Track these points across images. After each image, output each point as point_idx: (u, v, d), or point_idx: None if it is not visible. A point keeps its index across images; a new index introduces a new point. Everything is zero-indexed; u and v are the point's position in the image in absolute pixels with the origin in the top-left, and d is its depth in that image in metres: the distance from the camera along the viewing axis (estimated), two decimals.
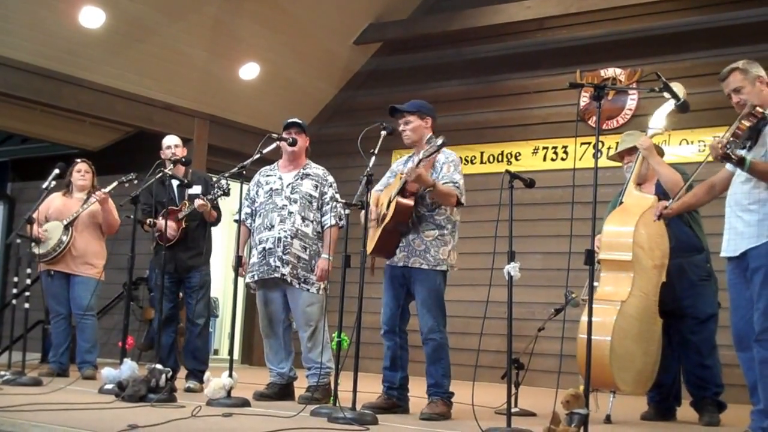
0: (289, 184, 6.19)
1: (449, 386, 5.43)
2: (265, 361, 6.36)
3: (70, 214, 7.30)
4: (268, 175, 6.34)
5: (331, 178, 6.27)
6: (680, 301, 5.71)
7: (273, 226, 6.12)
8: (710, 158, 4.66)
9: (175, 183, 6.81)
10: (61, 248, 7.25)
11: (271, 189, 6.23)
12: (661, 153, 6.06)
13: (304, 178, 6.20)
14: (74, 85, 8.90)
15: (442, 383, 5.38)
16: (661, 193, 5.72)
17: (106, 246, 7.57)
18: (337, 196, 6.14)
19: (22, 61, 8.46)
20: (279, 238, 6.08)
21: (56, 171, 7.03)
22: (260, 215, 6.21)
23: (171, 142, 6.92)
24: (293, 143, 6.15)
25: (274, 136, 6.08)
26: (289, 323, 6.25)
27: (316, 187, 6.18)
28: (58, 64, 8.67)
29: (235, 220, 6.26)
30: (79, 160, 7.64)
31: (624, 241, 5.55)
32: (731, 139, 4.43)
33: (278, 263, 6.05)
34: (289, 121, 6.31)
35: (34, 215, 6.91)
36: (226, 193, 6.44)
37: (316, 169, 6.29)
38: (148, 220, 6.92)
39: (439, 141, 5.17)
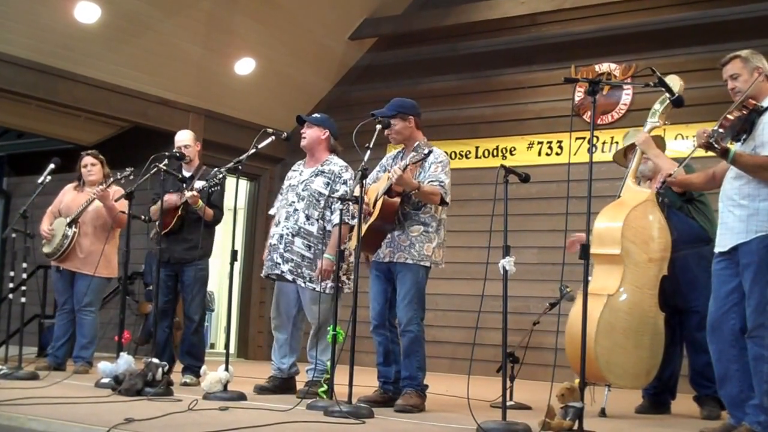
0: (304, 180, 6.17)
1: (423, 379, 5.47)
2: (261, 354, 6.36)
3: (75, 210, 7.30)
4: (294, 170, 6.37)
5: (347, 176, 6.11)
6: (685, 295, 5.74)
7: (279, 223, 6.14)
8: (700, 150, 4.66)
9: (186, 175, 6.83)
10: (66, 244, 7.25)
11: (290, 184, 6.27)
12: (663, 146, 6.09)
13: (318, 175, 6.15)
14: (69, 80, 8.89)
15: (417, 376, 5.42)
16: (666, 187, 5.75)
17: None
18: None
19: (18, 56, 8.44)
20: (282, 235, 6.10)
21: (51, 166, 7.04)
22: (277, 210, 6.27)
23: (180, 140, 6.92)
24: (287, 138, 6.17)
25: (269, 130, 6.08)
26: (300, 322, 6.25)
27: (328, 184, 6.10)
28: (53, 59, 8.65)
29: (269, 214, 6.41)
30: (85, 153, 7.59)
31: (613, 235, 5.58)
32: (717, 128, 4.43)
33: (279, 260, 6.07)
34: (297, 117, 6.33)
35: (50, 209, 6.93)
36: (218, 184, 6.42)
37: (334, 165, 6.16)
38: (142, 216, 6.93)
39: (426, 150, 5.20)
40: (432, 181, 5.41)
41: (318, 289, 6.00)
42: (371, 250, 5.57)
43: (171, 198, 6.62)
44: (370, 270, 5.66)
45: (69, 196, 7.49)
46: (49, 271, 8.41)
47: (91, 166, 7.49)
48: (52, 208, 7.56)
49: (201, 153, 7.16)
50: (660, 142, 6.10)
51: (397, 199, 5.39)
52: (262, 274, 6.41)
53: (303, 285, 6.05)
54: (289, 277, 6.06)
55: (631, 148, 5.98)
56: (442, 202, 5.46)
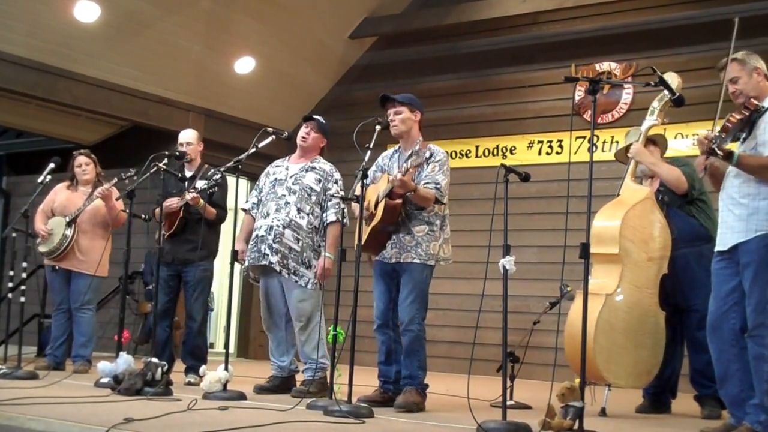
0: (293, 175, 6.20)
1: (424, 378, 5.45)
2: (261, 354, 6.36)
3: (73, 210, 7.29)
4: (277, 166, 6.38)
5: (337, 175, 6.22)
6: (685, 294, 5.74)
7: (268, 215, 6.14)
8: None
9: (188, 175, 6.83)
10: (65, 244, 7.23)
11: (275, 179, 6.27)
12: (665, 143, 6.09)
13: (309, 171, 6.20)
14: (69, 79, 8.89)
15: (417, 375, 5.40)
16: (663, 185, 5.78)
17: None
18: (342, 193, 5.99)
19: (18, 55, 8.44)
20: (271, 227, 6.09)
21: (51, 165, 7.03)
22: (262, 204, 6.25)
23: (182, 138, 6.93)
24: (288, 138, 6.19)
25: (270, 130, 6.08)
26: (291, 318, 6.25)
27: (319, 181, 6.15)
28: (53, 58, 8.65)
29: (242, 209, 6.36)
30: (77, 153, 7.58)
31: (611, 234, 5.57)
32: (718, 134, 4.41)
33: (267, 251, 6.06)
34: (306, 115, 6.37)
35: (42, 208, 6.92)
36: (218, 184, 6.43)
37: (324, 164, 6.26)
38: (143, 215, 6.92)
39: (427, 154, 5.12)
40: (428, 183, 5.38)
41: (301, 283, 6.02)
42: (375, 251, 5.56)
43: (171, 204, 6.59)
44: (373, 269, 5.65)
45: (63, 196, 7.47)
46: None
47: (85, 165, 7.50)
48: (43, 207, 7.51)
49: (203, 153, 7.13)
50: (662, 141, 6.10)
51: (399, 201, 5.38)
52: (243, 267, 6.34)
53: (287, 277, 6.05)
54: (278, 268, 6.05)
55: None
56: (437, 202, 5.45)
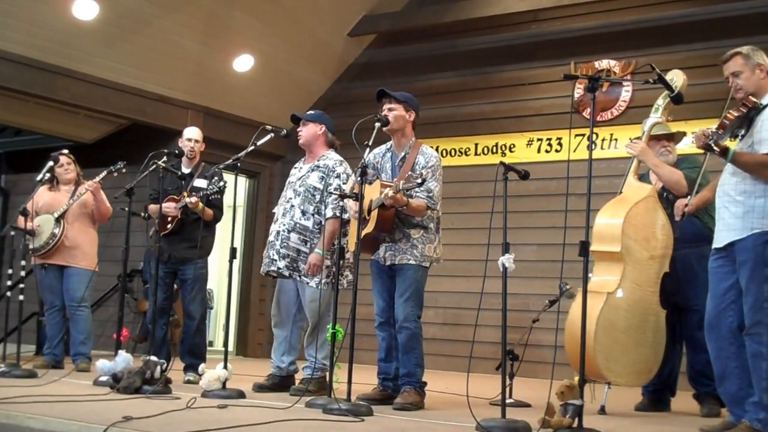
0: (301, 177, 6.21)
1: (422, 376, 5.46)
2: (260, 352, 6.36)
3: (60, 207, 7.29)
4: (295, 167, 6.42)
5: (340, 169, 6.14)
6: (685, 293, 5.74)
7: (277, 220, 6.16)
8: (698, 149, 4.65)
9: (186, 172, 6.84)
10: (54, 241, 7.23)
11: (289, 182, 6.31)
12: (681, 138, 6.09)
13: (314, 170, 6.19)
14: (68, 77, 8.87)
15: (415, 373, 5.40)
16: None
17: (99, 238, 7.57)
18: (345, 187, 5.91)
19: (16, 53, 8.42)
20: (278, 232, 6.12)
21: (50, 163, 7.04)
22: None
23: (190, 135, 6.96)
24: (286, 136, 6.19)
25: (269, 127, 6.07)
26: (300, 320, 6.25)
27: (322, 179, 6.13)
28: (51, 56, 8.63)
29: (273, 212, 6.41)
30: (58, 154, 7.55)
31: (613, 232, 5.56)
32: (715, 129, 4.41)
33: (275, 257, 6.09)
34: (291, 116, 6.37)
35: (28, 207, 6.92)
36: (221, 191, 6.43)
37: (329, 160, 6.20)
38: (142, 213, 6.91)
39: (419, 180, 5.08)
40: (420, 190, 5.38)
41: (312, 284, 6.01)
42: (370, 252, 5.57)
43: (170, 207, 6.59)
44: (370, 268, 5.64)
45: (46, 196, 7.44)
46: None
47: (66, 165, 7.51)
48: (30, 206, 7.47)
49: (202, 151, 7.14)
50: (679, 136, 6.08)
51: (392, 210, 5.38)
52: (261, 271, 6.44)
53: (298, 279, 6.06)
54: (286, 273, 6.08)
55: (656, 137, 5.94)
56: (429, 208, 5.45)
